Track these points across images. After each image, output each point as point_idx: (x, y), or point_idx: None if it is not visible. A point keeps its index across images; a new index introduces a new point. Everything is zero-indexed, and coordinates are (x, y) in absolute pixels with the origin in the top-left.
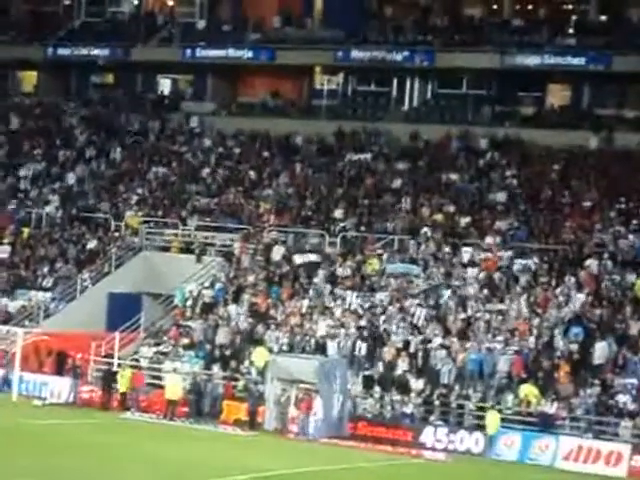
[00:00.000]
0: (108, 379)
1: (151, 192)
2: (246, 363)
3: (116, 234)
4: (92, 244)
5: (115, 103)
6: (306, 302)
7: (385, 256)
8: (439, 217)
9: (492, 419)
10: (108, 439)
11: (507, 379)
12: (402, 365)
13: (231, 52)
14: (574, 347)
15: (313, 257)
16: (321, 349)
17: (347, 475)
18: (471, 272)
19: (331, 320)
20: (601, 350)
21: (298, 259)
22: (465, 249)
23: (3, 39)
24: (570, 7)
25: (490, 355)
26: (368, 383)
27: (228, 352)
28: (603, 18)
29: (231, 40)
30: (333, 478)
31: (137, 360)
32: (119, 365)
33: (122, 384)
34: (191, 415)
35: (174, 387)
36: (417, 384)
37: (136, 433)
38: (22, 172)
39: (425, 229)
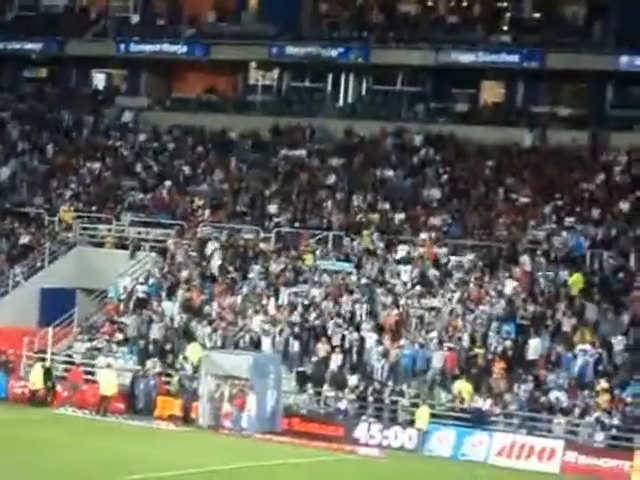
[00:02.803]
0: (67, 377)
1: (85, 187)
2: (180, 359)
3: (49, 229)
4: (25, 239)
5: (49, 97)
6: (240, 298)
7: (319, 252)
8: (373, 213)
9: (423, 413)
10: (41, 435)
11: (441, 375)
12: (336, 361)
13: (166, 47)
14: (507, 344)
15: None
16: (255, 345)
17: (280, 471)
18: (404, 268)
19: (265, 316)
20: (534, 346)
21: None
22: (399, 246)
23: None
24: (504, 5)
25: (423, 351)
26: (302, 379)
27: (162, 348)
28: (537, 15)
29: (166, 35)
30: (266, 474)
31: (70, 356)
32: (52, 361)
33: (34, 380)
34: (125, 411)
35: (108, 383)
36: (351, 380)
37: (69, 428)
38: None
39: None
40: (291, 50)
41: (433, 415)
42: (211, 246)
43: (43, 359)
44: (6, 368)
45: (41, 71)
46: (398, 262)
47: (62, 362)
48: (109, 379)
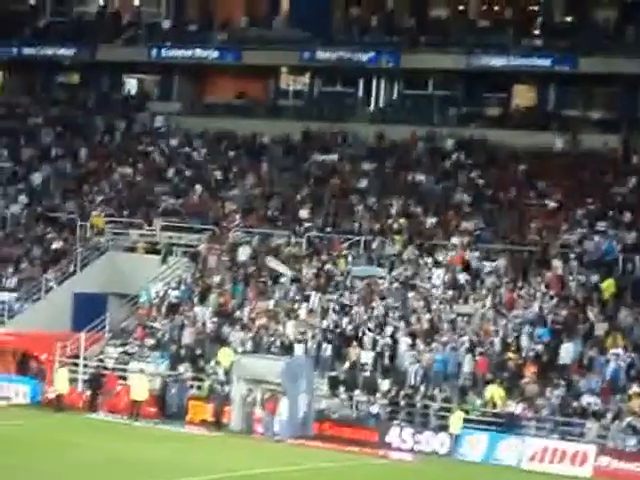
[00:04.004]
0: (95, 381)
1: (117, 192)
2: (212, 363)
3: (82, 234)
4: (57, 244)
5: (81, 103)
6: (272, 303)
7: (350, 257)
8: (405, 218)
9: (456, 418)
10: (73, 439)
11: (472, 380)
12: (368, 365)
13: (197, 52)
14: (540, 348)
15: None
16: (287, 349)
17: (312, 475)
18: (436, 273)
19: (297, 321)
20: (567, 351)
21: (271, 262)
22: (431, 251)
23: None
24: (536, 8)
25: (455, 356)
26: (334, 383)
27: (194, 352)
28: (569, 19)
29: (197, 40)
30: (298, 478)
31: (102, 361)
32: (105, 368)
33: (59, 385)
34: (157, 415)
35: (139, 388)
36: (383, 384)
37: (101, 433)
38: None
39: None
40: (322, 55)
41: (465, 420)
42: (243, 251)
43: (75, 364)
44: (39, 373)
45: (74, 77)
46: (430, 267)
47: (94, 367)
48: (141, 384)
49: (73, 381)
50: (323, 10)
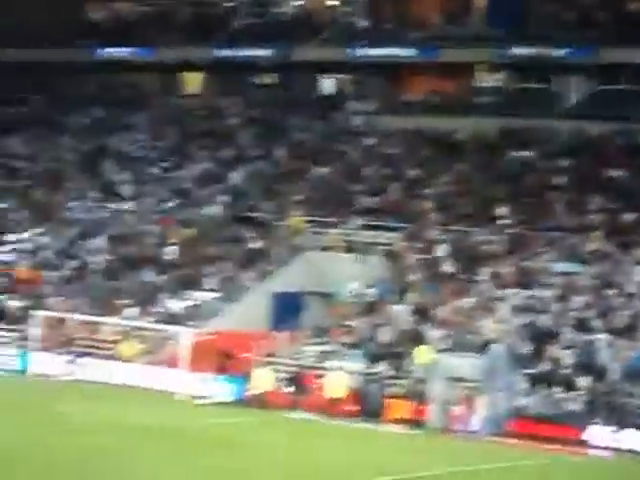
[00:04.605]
0: (295, 380)
1: (314, 192)
2: (410, 362)
3: (279, 234)
4: (255, 244)
5: (278, 103)
6: (470, 300)
7: (548, 254)
8: (603, 214)
9: None
10: (272, 438)
11: None
12: (566, 362)
13: (393, 51)
14: None
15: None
16: (485, 347)
17: (511, 473)
18: (637, 269)
19: (495, 318)
20: None
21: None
22: (631, 247)
23: (169, 41)
24: None
25: None
26: (533, 381)
27: (392, 351)
28: None
29: (393, 39)
30: (497, 476)
31: (300, 359)
32: (303, 367)
33: (261, 383)
34: (355, 414)
35: (337, 386)
36: (582, 381)
37: (301, 432)
38: (186, 173)
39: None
40: (517, 51)
41: None
42: (440, 249)
43: (271, 362)
44: (241, 372)
45: (270, 78)
46: (629, 263)
47: (293, 365)
48: (339, 382)
49: (274, 380)
50: (518, 6)
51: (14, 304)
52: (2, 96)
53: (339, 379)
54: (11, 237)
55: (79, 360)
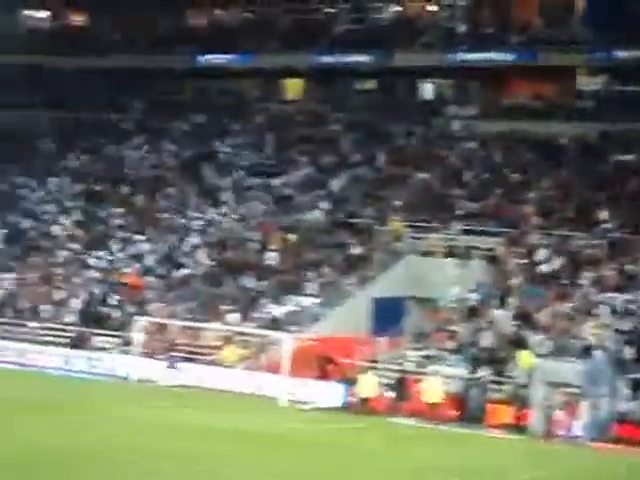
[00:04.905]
0: (398, 385)
1: (414, 197)
2: (511, 367)
3: (380, 239)
4: (356, 250)
5: (378, 109)
6: (571, 305)
7: None
8: None
9: None
10: (373, 444)
11: None
12: None
13: (494, 55)
14: None
15: None
16: (587, 352)
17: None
18: None
19: (597, 323)
20: None
21: None
22: None
23: (269, 48)
24: None
25: None
26: (635, 386)
27: (493, 355)
28: None
29: (493, 43)
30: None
31: (402, 364)
32: (405, 372)
33: (366, 389)
34: (456, 418)
35: (435, 390)
36: None
37: (404, 437)
38: (287, 179)
39: None
40: (618, 54)
41: None
42: (541, 253)
43: (373, 368)
44: (343, 377)
45: (371, 83)
46: None
47: (395, 371)
48: (435, 387)
49: (378, 385)
50: (617, 9)
51: (118, 310)
52: (104, 102)
53: (436, 384)
54: (115, 243)
55: (179, 365)
